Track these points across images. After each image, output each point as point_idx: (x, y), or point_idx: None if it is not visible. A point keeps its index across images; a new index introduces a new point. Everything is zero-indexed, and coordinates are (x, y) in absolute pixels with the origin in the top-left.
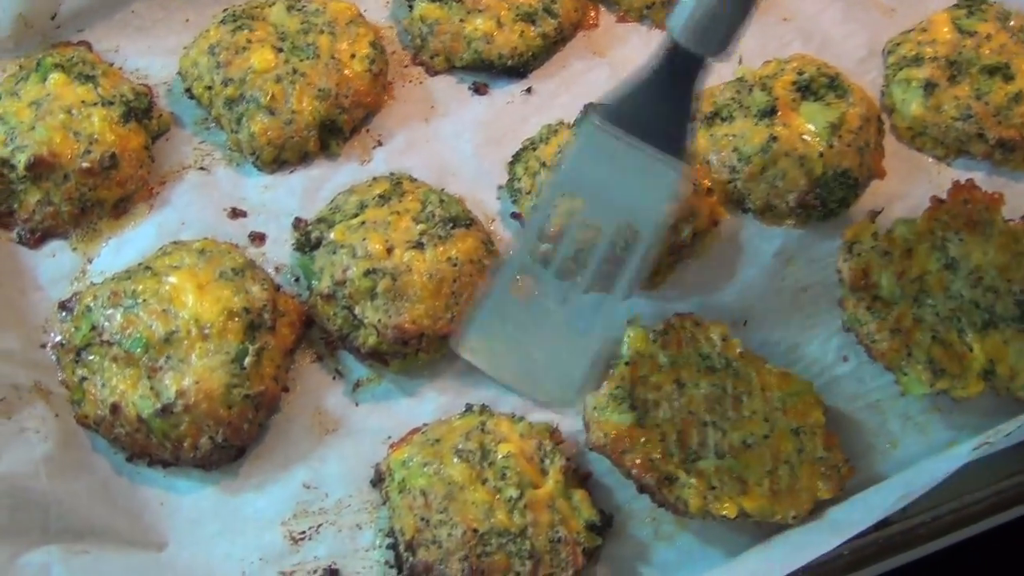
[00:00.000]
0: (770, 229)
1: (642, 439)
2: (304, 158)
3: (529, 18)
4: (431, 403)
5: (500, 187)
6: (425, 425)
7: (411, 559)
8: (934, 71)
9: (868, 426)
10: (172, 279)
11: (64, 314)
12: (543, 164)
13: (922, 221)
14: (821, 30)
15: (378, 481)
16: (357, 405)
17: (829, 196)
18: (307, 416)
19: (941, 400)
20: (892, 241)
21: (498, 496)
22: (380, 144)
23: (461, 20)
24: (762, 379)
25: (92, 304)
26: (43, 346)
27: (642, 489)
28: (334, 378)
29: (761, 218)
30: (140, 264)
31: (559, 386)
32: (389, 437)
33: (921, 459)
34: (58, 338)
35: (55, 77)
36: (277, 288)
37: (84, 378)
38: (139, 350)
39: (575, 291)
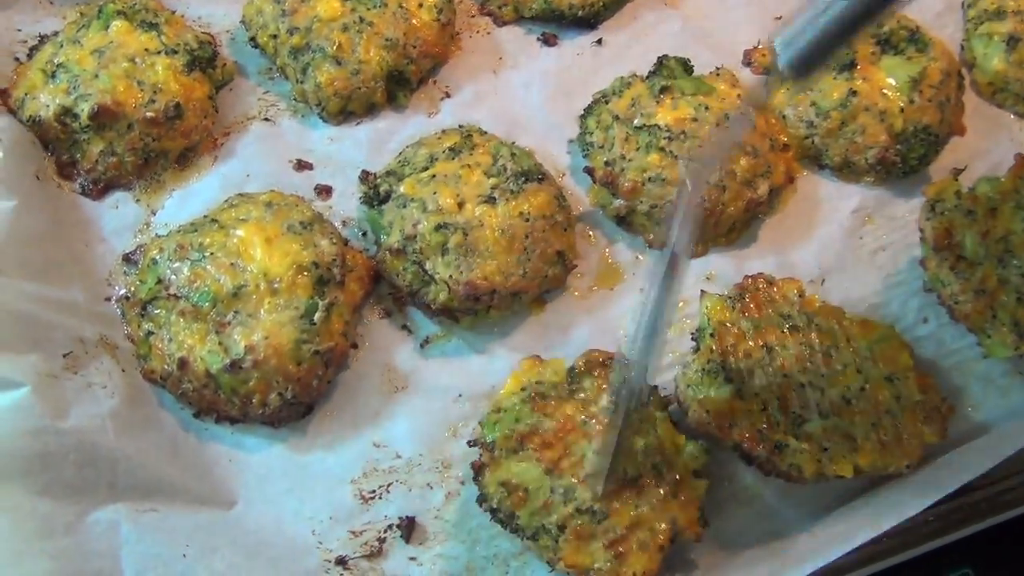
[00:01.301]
0: (848, 186)
1: (745, 410)
2: (371, 109)
3: None
4: (501, 360)
5: (571, 141)
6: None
7: None
8: (1017, 25)
9: (949, 388)
10: (240, 232)
11: (128, 267)
12: (616, 117)
13: (1007, 179)
14: None
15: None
16: (427, 361)
17: (909, 153)
18: (376, 373)
19: (1022, 363)
20: (976, 200)
21: None
22: (448, 96)
23: None
24: (845, 330)
25: (158, 257)
26: (108, 299)
27: (750, 461)
28: (406, 333)
29: (839, 175)
30: (206, 216)
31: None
32: (460, 395)
33: (1002, 422)
34: (123, 291)
35: (118, 24)
36: (345, 242)
37: (150, 332)
38: (207, 304)
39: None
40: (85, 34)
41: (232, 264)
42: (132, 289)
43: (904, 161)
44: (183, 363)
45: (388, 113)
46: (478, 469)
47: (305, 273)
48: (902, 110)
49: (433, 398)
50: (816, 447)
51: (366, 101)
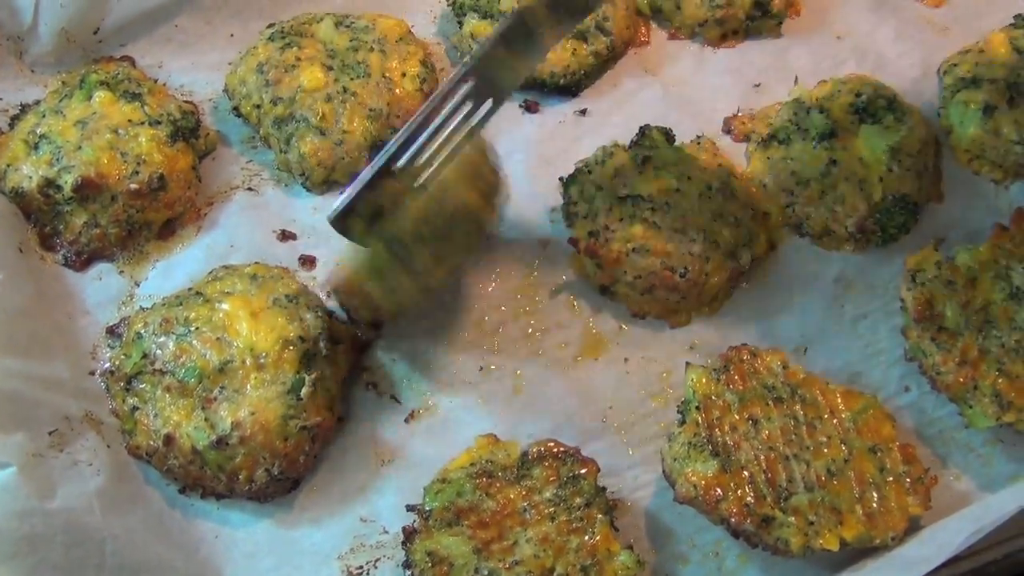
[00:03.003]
0: (828, 254)
1: (732, 484)
2: (354, 179)
3: (581, 36)
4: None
5: (553, 209)
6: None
7: None
8: (992, 93)
9: (931, 457)
10: (225, 305)
11: (113, 340)
12: (599, 187)
13: (985, 249)
14: (875, 48)
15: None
16: (412, 434)
17: (889, 221)
18: (363, 446)
19: (1003, 431)
20: (956, 270)
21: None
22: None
23: None
24: (829, 401)
25: (143, 331)
26: (92, 373)
27: (737, 535)
28: (391, 407)
29: (819, 243)
30: (191, 289)
31: None
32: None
33: (984, 492)
34: (107, 365)
35: (101, 95)
36: (330, 315)
37: (135, 408)
38: (193, 380)
39: None
40: (68, 104)
41: (218, 339)
42: (117, 363)
43: (883, 230)
44: (169, 439)
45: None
46: (409, 535)
47: (291, 348)
48: (881, 179)
49: (420, 472)
50: (803, 520)
51: (350, 170)
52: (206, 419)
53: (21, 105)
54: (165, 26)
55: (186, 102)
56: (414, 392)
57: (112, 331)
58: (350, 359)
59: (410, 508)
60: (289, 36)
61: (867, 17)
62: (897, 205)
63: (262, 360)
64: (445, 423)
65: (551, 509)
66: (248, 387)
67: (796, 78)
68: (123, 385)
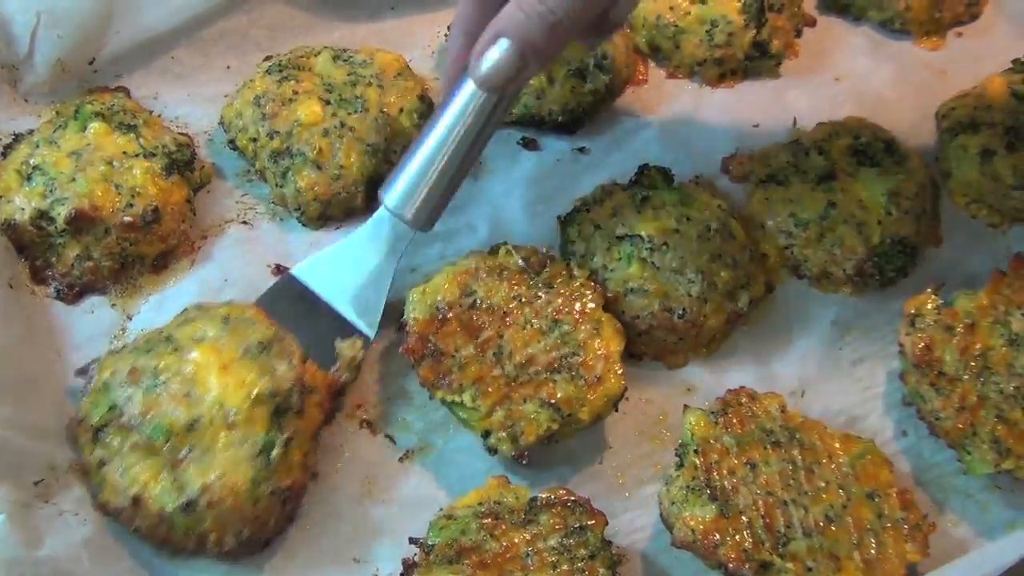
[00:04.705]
0: (826, 297)
1: (730, 529)
2: (350, 214)
3: (580, 74)
4: (483, 475)
5: (550, 248)
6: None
7: None
8: (991, 137)
9: (928, 503)
10: (194, 355)
11: (84, 382)
12: (597, 227)
13: (984, 295)
14: (873, 91)
15: None
16: (407, 474)
17: (887, 265)
18: (357, 485)
19: (1001, 478)
20: (955, 315)
21: None
22: None
23: None
24: (827, 446)
25: (110, 380)
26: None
27: None
28: (385, 446)
29: (817, 285)
30: (161, 332)
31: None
32: (441, 509)
33: (982, 539)
34: (78, 413)
35: (96, 126)
36: (304, 359)
37: (103, 462)
38: (160, 438)
39: None
40: (62, 135)
41: (187, 395)
42: (85, 412)
43: (882, 273)
44: (136, 500)
45: (367, 218)
46: (408, 567)
47: (262, 405)
48: (879, 222)
49: (415, 512)
50: (801, 567)
51: (346, 206)
52: (174, 480)
53: (14, 135)
54: (161, 57)
55: (181, 134)
56: (409, 432)
57: (83, 371)
58: (325, 409)
59: (412, 541)
60: (287, 69)
61: (865, 60)
62: (896, 248)
63: (232, 418)
64: (440, 463)
65: (554, 558)
66: (217, 447)
67: (795, 119)
68: (91, 436)
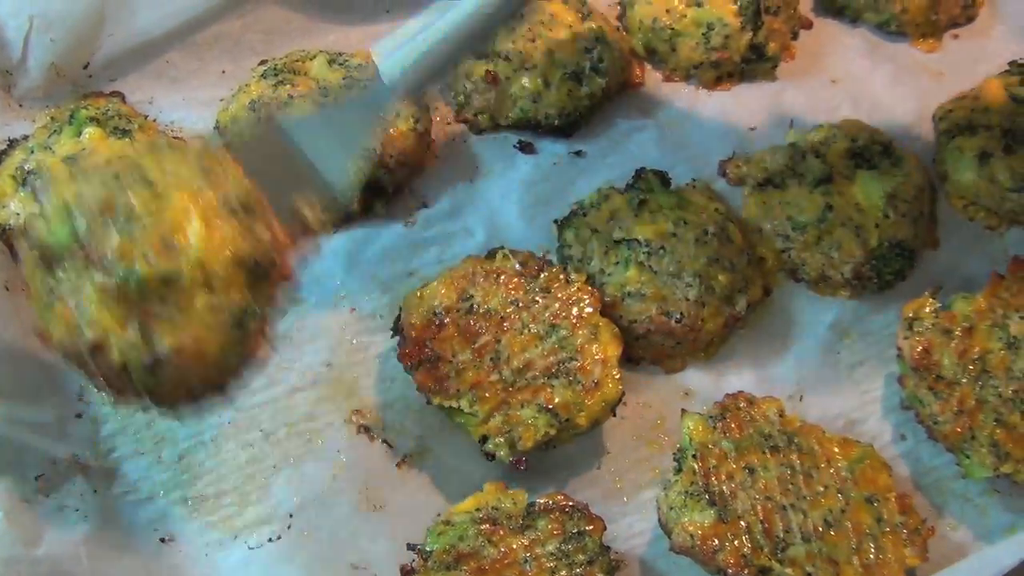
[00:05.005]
0: (824, 300)
1: (729, 535)
2: (347, 219)
3: (576, 77)
4: (481, 480)
5: (548, 252)
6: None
7: None
8: (988, 140)
9: (927, 507)
10: (174, 200)
11: (27, 188)
12: (594, 231)
13: (983, 298)
14: (870, 94)
15: None
16: (404, 480)
17: (885, 268)
18: (354, 491)
19: (1000, 482)
20: (953, 319)
21: None
22: (425, 206)
23: (507, 78)
24: (825, 450)
25: (75, 205)
26: (78, 416)
27: None
28: (382, 451)
29: (815, 288)
30: (129, 158)
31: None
32: (438, 514)
33: (981, 542)
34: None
35: (90, 131)
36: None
37: (53, 292)
38: (133, 286)
39: None
40: (57, 140)
41: (166, 244)
42: (31, 224)
43: (879, 276)
44: (97, 347)
45: (365, 223)
46: (406, 573)
47: (241, 269)
48: (877, 225)
49: (413, 518)
50: (800, 571)
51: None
52: (143, 334)
53: (9, 140)
54: (156, 61)
55: (177, 138)
56: (407, 437)
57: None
58: (285, 275)
59: (411, 547)
60: (282, 73)
61: (862, 62)
62: (893, 251)
63: (212, 281)
64: (438, 468)
65: (552, 563)
66: (193, 309)
67: (792, 122)
68: (39, 260)
